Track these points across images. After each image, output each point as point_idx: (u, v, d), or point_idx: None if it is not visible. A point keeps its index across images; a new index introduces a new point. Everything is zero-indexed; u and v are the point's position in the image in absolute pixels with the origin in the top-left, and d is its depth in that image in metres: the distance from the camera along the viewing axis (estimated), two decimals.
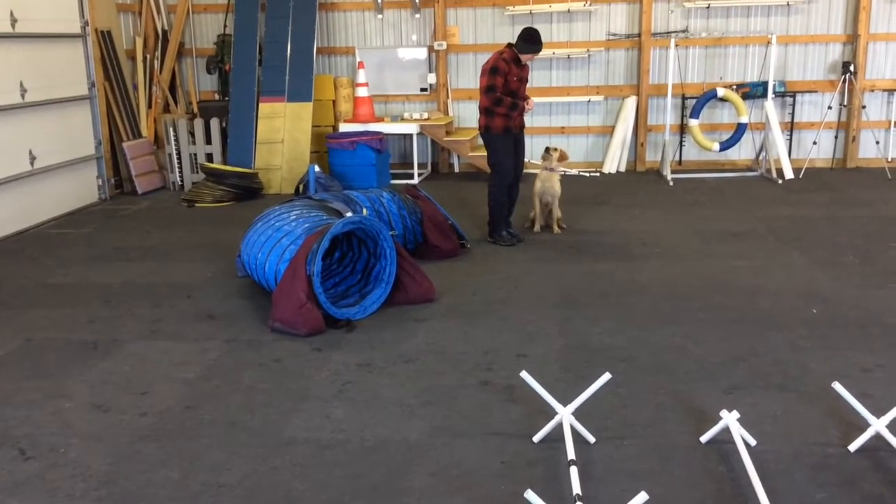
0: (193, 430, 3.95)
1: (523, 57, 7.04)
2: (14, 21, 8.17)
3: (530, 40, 6.97)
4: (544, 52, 10.80)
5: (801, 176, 10.16)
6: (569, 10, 10.67)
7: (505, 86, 7.00)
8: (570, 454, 3.40)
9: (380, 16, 11.06)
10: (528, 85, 7.33)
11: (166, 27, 11.12)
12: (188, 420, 4.05)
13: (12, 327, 5.46)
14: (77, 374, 4.66)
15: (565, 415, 3.68)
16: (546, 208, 7.71)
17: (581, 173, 10.83)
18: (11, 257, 7.30)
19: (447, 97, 11.19)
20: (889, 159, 10.65)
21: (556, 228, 7.65)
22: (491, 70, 6.99)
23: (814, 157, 10.66)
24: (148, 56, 10.89)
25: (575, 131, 11.17)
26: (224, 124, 10.41)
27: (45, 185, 8.70)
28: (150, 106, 10.82)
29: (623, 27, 10.80)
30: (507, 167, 7.21)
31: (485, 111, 7.14)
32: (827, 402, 3.98)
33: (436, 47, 10.98)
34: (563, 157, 7.69)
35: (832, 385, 3.67)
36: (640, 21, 10.68)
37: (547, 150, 7.67)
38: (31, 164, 8.46)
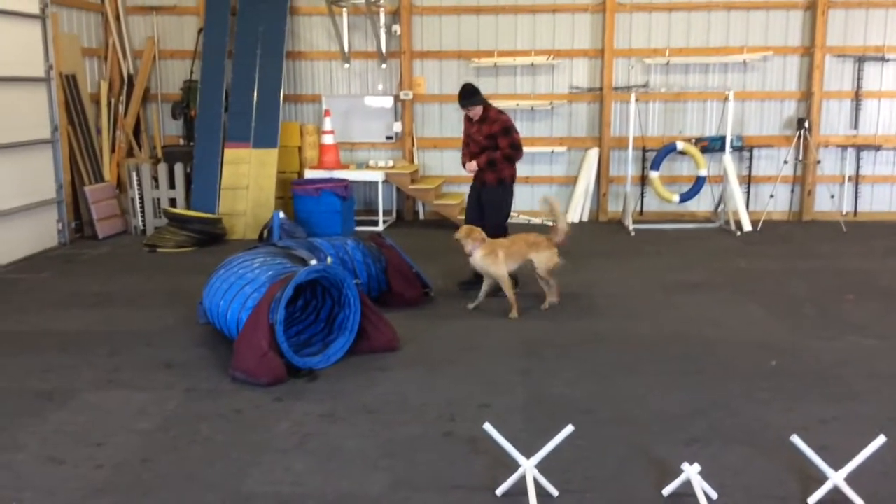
0: (150, 483, 3.86)
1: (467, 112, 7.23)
2: None
3: (459, 95, 7.16)
4: (508, 104, 11.01)
5: (758, 228, 10.38)
6: (532, 64, 10.88)
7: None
8: None
9: (347, 65, 11.17)
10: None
11: (132, 72, 11.12)
12: (144, 473, 3.96)
13: None
14: (31, 424, 4.55)
15: (528, 468, 3.67)
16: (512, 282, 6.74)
17: (545, 222, 10.96)
18: None
19: (412, 145, 11.29)
20: (843, 213, 10.93)
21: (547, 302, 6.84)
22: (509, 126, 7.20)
23: (771, 210, 10.91)
24: (113, 100, 10.85)
25: (539, 181, 11.31)
26: (188, 169, 10.37)
27: (4, 228, 8.56)
28: (113, 150, 10.76)
29: (585, 81, 11.04)
30: (470, 218, 7.34)
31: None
32: (786, 454, 4.02)
33: (402, 97, 11.10)
34: (469, 235, 6.60)
35: (791, 438, 3.71)
36: (602, 75, 10.92)
37: (456, 239, 6.72)
38: None
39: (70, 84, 9.88)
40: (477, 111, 7.09)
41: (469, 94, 7.06)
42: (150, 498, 3.72)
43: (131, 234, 10.32)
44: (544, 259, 6.71)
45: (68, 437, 4.38)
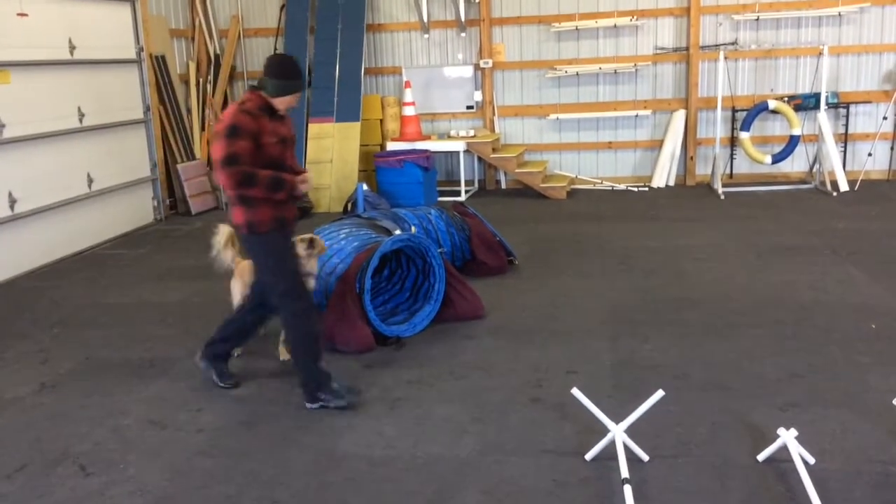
0: (248, 445, 4.01)
1: (280, 102, 4.28)
2: (73, 48, 8.44)
3: (285, 74, 4.24)
4: (590, 67, 10.80)
5: (856, 188, 9.95)
6: (615, 25, 10.63)
7: (258, 152, 4.19)
8: (624, 472, 3.37)
9: (426, 35, 11.15)
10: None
11: (218, 51, 11.38)
12: (243, 436, 4.11)
13: (72, 346, 5.61)
14: (135, 391, 4.77)
15: (618, 432, 3.64)
16: None
17: (629, 188, 10.78)
18: (70, 278, 7.50)
19: (493, 114, 11.22)
20: None
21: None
22: (228, 131, 4.10)
23: (869, 169, 10.43)
24: (201, 80, 11.15)
25: (622, 146, 11.10)
26: None
27: (102, 206, 8.94)
28: (203, 128, 11.06)
29: (670, 41, 10.73)
30: (297, 280, 4.55)
31: (238, 200, 4.25)
32: (887, 419, 3.88)
33: (481, 65, 11.03)
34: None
35: (893, 402, 3.57)
36: (688, 34, 10.59)
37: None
38: (89, 186, 8.70)
39: (160, 65, 10.18)
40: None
41: (298, 70, 4.34)
42: (249, 458, 3.86)
43: (222, 209, 10.61)
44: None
45: (169, 402, 4.58)
